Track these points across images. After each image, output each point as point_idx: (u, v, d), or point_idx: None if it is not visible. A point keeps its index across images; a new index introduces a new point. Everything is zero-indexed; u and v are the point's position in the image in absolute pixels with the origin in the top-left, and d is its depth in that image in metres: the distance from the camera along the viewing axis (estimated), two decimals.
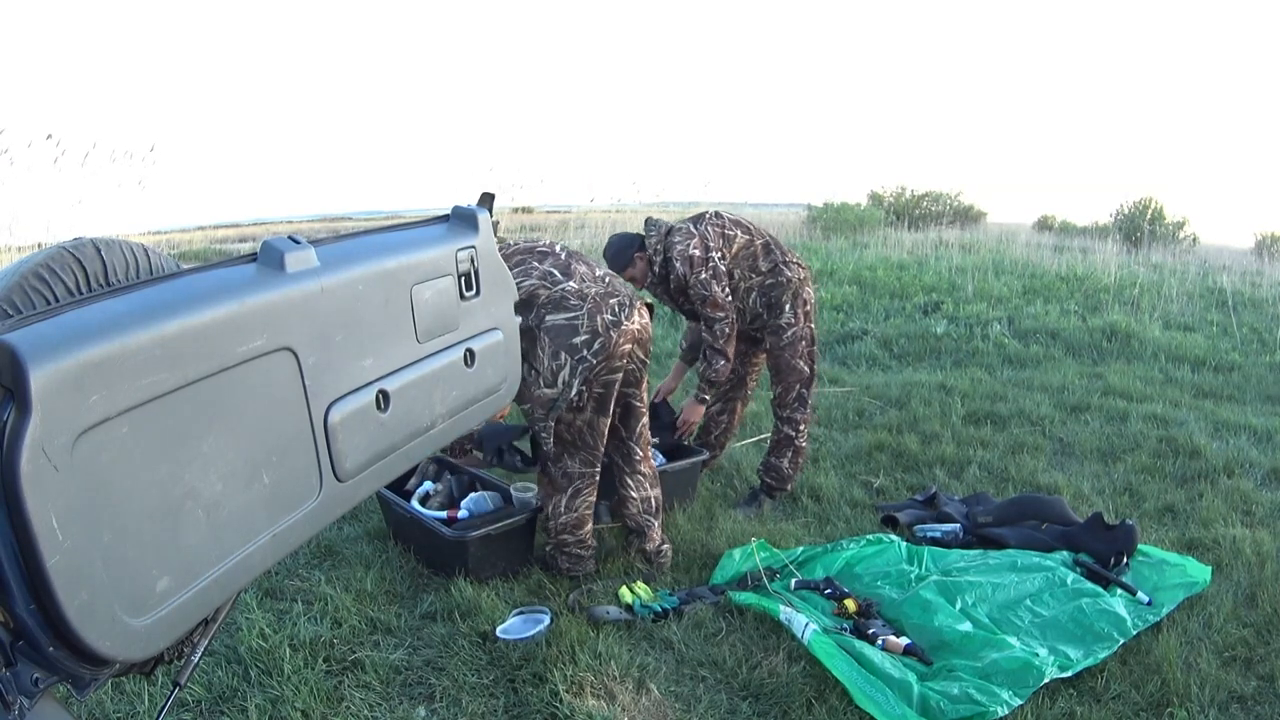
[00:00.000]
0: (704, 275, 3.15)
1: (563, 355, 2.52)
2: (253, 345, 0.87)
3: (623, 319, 2.57)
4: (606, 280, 2.66)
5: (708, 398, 3.39)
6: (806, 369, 3.39)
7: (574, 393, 2.55)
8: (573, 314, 2.54)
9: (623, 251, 3.27)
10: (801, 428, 3.42)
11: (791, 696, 2.19)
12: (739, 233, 3.30)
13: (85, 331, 0.73)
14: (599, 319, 2.54)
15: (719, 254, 3.21)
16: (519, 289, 2.51)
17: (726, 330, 3.19)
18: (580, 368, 2.52)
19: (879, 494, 3.63)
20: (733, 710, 2.17)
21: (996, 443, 4.22)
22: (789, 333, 3.34)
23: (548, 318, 2.54)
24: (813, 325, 3.41)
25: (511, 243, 2.74)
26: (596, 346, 2.52)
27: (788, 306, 3.33)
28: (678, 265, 3.16)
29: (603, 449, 2.75)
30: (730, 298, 3.21)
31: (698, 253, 3.17)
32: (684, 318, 3.62)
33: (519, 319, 1.37)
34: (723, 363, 3.22)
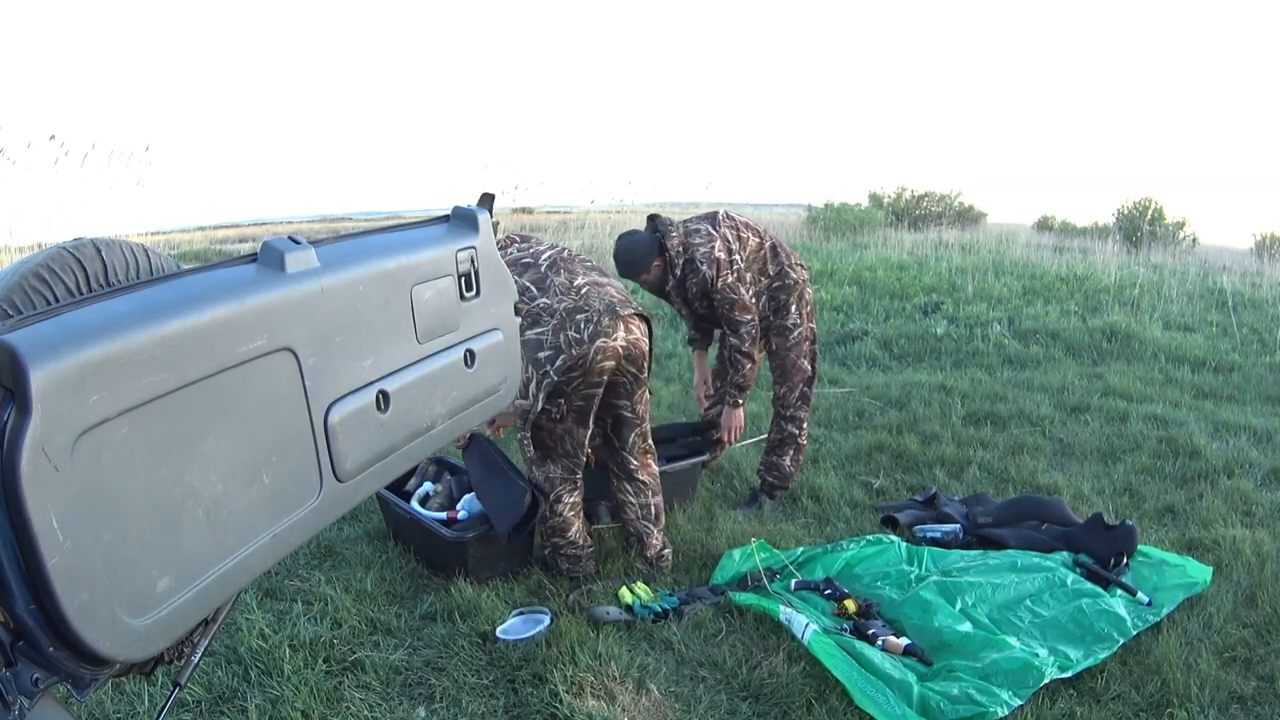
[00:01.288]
0: (730, 279, 3.12)
1: (530, 369, 2.53)
2: (253, 346, 0.87)
3: (585, 336, 2.52)
4: (581, 292, 2.60)
5: (741, 400, 3.32)
6: (810, 368, 3.41)
7: (540, 407, 2.54)
8: (541, 330, 2.53)
9: (644, 257, 3.17)
10: (804, 426, 3.44)
11: (791, 697, 2.19)
12: (750, 235, 3.29)
13: (85, 332, 0.73)
14: (561, 336, 2.52)
15: (739, 256, 3.19)
16: None
17: (753, 333, 3.17)
18: (545, 383, 2.52)
19: (879, 494, 3.63)
20: (733, 711, 2.17)
21: (996, 443, 4.22)
22: (795, 333, 3.35)
23: (526, 332, 2.54)
24: (813, 324, 3.42)
25: (506, 250, 2.72)
26: (559, 363, 2.51)
27: (793, 308, 3.34)
28: (704, 268, 3.10)
29: (583, 458, 2.75)
30: (754, 300, 3.20)
31: (723, 255, 3.13)
32: (688, 320, 3.56)
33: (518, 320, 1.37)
34: (750, 365, 3.20)
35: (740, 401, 3.31)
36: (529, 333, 2.53)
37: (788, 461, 3.44)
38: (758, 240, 3.31)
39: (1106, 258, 10.58)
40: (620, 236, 3.30)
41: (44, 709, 0.78)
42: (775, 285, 3.32)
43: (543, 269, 2.64)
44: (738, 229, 3.25)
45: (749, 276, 3.25)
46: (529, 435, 2.66)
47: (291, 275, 0.93)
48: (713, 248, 3.13)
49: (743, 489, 3.64)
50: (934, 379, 5.50)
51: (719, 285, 3.11)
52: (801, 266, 3.40)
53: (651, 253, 3.17)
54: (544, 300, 2.57)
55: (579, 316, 2.54)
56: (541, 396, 2.53)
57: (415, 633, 2.49)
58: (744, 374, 3.22)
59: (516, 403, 2.56)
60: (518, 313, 2.65)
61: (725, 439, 3.41)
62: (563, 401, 2.59)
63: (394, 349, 1.07)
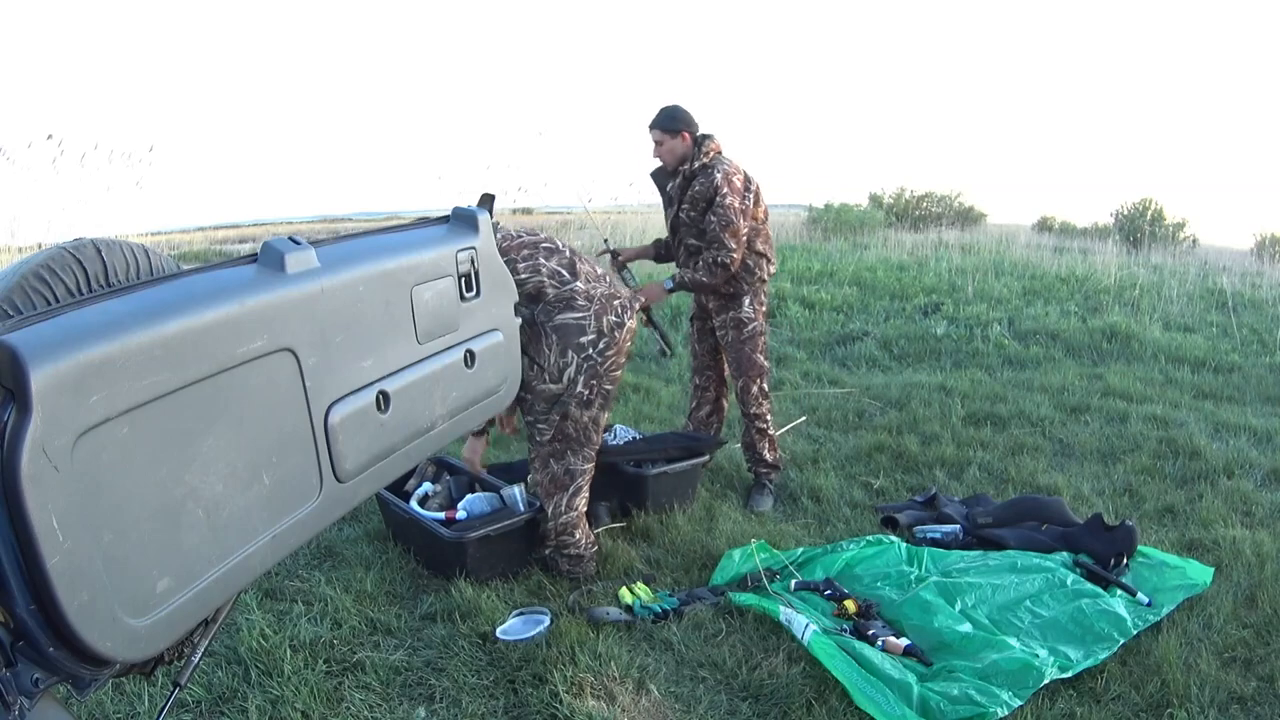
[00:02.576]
0: (736, 202, 3.25)
1: (570, 353, 2.60)
2: (253, 346, 0.87)
3: (624, 320, 2.68)
4: (608, 280, 2.75)
5: (672, 287, 3.41)
6: (764, 362, 3.56)
7: (579, 389, 2.62)
8: (580, 314, 2.61)
9: (683, 122, 3.30)
10: (769, 418, 3.60)
11: (791, 697, 2.18)
12: (763, 211, 3.44)
13: (86, 332, 0.73)
14: (604, 320, 2.63)
15: (749, 199, 3.32)
16: (527, 283, 2.61)
17: (728, 265, 3.27)
18: (586, 366, 2.61)
19: (879, 495, 3.63)
20: (733, 711, 2.17)
21: (996, 444, 4.22)
22: (749, 327, 3.48)
23: (557, 316, 2.61)
24: (766, 323, 3.58)
25: (514, 233, 2.73)
26: (602, 345, 2.63)
27: (747, 301, 3.47)
28: (716, 174, 3.24)
29: (599, 442, 2.79)
30: (745, 238, 3.30)
31: (738, 182, 3.28)
32: (669, 229, 3.56)
33: (523, 314, 1.37)
34: (707, 280, 3.31)
35: (671, 288, 3.40)
36: (564, 317, 2.61)
37: (766, 453, 3.59)
38: (764, 219, 3.45)
39: (1106, 258, 10.59)
40: (672, 105, 3.38)
41: (44, 709, 0.78)
42: (748, 262, 3.42)
43: (568, 255, 2.71)
44: (758, 193, 3.40)
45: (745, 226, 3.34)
46: (555, 419, 2.67)
47: (291, 276, 0.93)
48: (735, 170, 3.28)
49: (743, 489, 3.65)
50: (934, 379, 5.50)
51: (725, 199, 3.23)
52: (770, 263, 3.52)
53: (691, 127, 3.31)
54: (579, 285, 2.64)
55: (615, 302, 2.68)
56: (581, 379, 2.62)
57: (415, 633, 2.49)
58: (698, 278, 3.31)
59: (545, 387, 2.62)
60: (541, 299, 2.74)
61: (643, 303, 3.41)
62: (595, 384, 2.66)
63: (394, 349, 1.08)
